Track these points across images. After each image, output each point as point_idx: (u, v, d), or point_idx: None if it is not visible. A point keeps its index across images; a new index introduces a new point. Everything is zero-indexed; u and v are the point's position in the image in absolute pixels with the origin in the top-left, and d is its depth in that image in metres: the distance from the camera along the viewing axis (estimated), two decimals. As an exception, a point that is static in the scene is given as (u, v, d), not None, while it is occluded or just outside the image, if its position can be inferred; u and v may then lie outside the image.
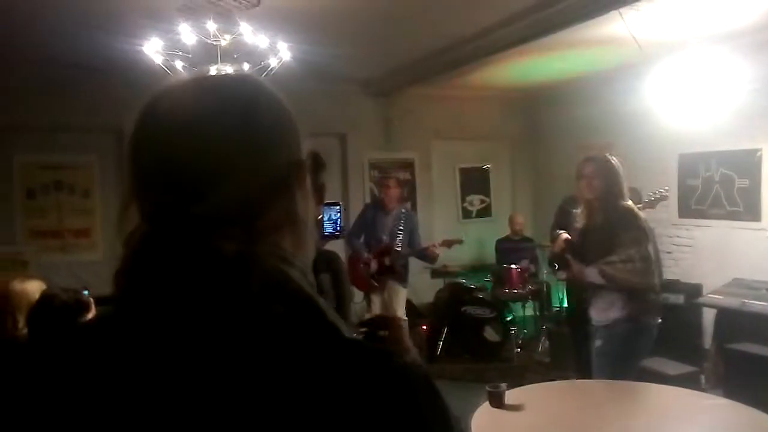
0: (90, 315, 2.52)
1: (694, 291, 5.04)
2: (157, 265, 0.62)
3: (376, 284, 5.22)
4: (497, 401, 2.55)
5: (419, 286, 6.23)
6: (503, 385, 2.61)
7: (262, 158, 0.66)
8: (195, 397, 0.58)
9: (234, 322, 0.60)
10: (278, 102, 0.71)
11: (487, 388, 2.60)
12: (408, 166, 7.23)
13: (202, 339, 0.59)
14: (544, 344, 5.82)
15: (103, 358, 0.62)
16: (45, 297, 2.45)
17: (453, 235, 5.75)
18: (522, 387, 2.95)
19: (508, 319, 5.76)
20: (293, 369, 0.58)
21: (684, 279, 5.30)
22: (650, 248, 3.14)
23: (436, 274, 6.57)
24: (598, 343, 3.15)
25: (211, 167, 0.64)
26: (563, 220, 4.60)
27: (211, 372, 0.58)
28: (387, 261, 5.18)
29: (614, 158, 3.28)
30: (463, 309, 5.80)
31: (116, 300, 0.65)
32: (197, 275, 0.60)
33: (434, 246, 5.27)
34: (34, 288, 2.66)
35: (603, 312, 3.15)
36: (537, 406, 2.63)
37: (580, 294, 3.85)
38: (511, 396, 2.61)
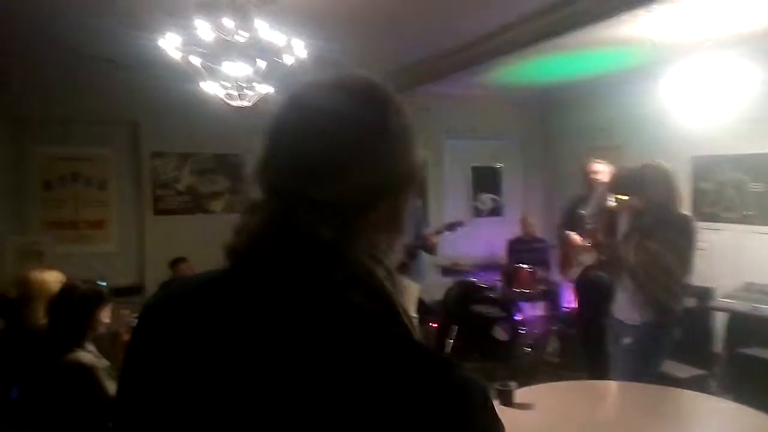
0: (107, 306, 2.57)
1: (706, 294, 5.01)
2: (264, 237, 0.67)
3: None
4: (506, 400, 2.55)
5: (430, 284, 6.23)
6: (513, 384, 2.62)
7: (386, 163, 0.70)
8: (258, 360, 0.63)
9: (310, 302, 0.64)
10: (406, 113, 0.75)
11: (497, 386, 2.61)
12: (420, 164, 7.24)
13: (281, 312, 0.65)
14: (553, 344, 5.82)
15: (207, 308, 0.71)
16: (66, 288, 2.50)
17: (463, 234, 5.73)
18: (531, 386, 2.96)
19: (518, 318, 5.76)
20: (354, 357, 0.61)
21: (696, 282, 5.27)
22: (681, 267, 3.04)
23: (446, 272, 6.57)
24: (627, 340, 3.12)
25: (341, 161, 0.68)
26: (571, 221, 4.60)
27: (278, 342, 0.63)
28: None
29: (666, 164, 3.19)
30: (473, 307, 5.81)
31: (229, 261, 0.71)
32: (292, 253, 0.65)
33: (431, 235, 5.28)
34: (52, 278, 2.72)
35: (633, 312, 3.12)
36: (546, 406, 2.64)
37: (594, 293, 3.81)
38: (521, 395, 2.62)
